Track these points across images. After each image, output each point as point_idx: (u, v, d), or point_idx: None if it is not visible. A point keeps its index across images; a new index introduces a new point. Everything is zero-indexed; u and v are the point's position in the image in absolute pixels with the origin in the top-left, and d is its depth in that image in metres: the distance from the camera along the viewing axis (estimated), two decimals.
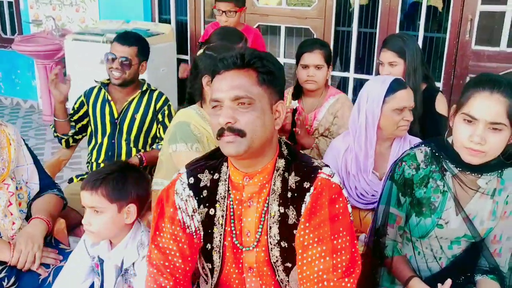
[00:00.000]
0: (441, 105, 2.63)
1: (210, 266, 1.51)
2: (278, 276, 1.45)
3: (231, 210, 1.46)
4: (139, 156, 2.57)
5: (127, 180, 1.62)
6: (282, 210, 1.41)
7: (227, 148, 1.36)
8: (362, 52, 4.44)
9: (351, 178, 2.17)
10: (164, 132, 2.63)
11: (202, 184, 1.47)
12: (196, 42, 4.91)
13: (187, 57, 4.99)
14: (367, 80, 4.39)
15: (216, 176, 1.48)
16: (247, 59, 1.36)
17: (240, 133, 1.33)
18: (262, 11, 4.49)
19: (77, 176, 2.70)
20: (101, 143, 2.68)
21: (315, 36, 4.29)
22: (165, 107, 2.68)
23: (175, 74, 4.89)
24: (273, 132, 1.42)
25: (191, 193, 1.47)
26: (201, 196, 1.47)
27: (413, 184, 1.66)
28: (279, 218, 1.42)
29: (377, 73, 2.65)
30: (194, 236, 1.47)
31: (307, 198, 1.38)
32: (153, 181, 2.21)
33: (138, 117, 2.66)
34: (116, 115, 2.67)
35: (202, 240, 1.49)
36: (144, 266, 1.55)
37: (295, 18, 4.42)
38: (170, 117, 2.65)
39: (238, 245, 1.46)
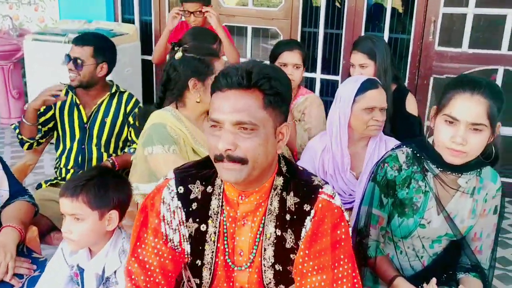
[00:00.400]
0: (411, 105, 2.69)
1: (198, 282, 1.43)
2: None
3: (225, 226, 1.38)
4: (111, 161, 2.50)
5: (108, 186, 1.57)
6: (279, 233, 1.34)
7: (225, 174, 1.27)
8: (329, 53, 4.48)
9: (328, 178, 2.18)
10: (136, 135, 2.58)
11: (192, 196, 1.38)
12: None
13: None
14: (333, 80, 4.49)
15: (209, 189, 1.38)
16: (254, 79, 1.23)
17: (241, 161, 1.24)
18: (228, 11, 4.47)
19: (45, 182, 2.61)
20: (70, 148, 2.59)
21: (281, 37, 4.31)
22: (136, 110, 2.61)
23: (140, 75, 4.82)
24: (274, 157, 1.34)
25: (180, 204, 1.37)
26: (190, 209, 1.38)
27: (396, 185, 1.68)
28: (275, 241, 1.35)
29: (348, 75, 2.68)
30: (177, 251, 1.40)
31: (308, 223, 1.31)
32: None
33: (109, 120, 2.58)
34: (85, 119, 2.59)
35: (189, 256, 1.41)
36: None
37: (261, 19, 4.44)
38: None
39: (231, 263, 1.39)
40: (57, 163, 2.65)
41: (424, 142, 1.70)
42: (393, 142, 2.16)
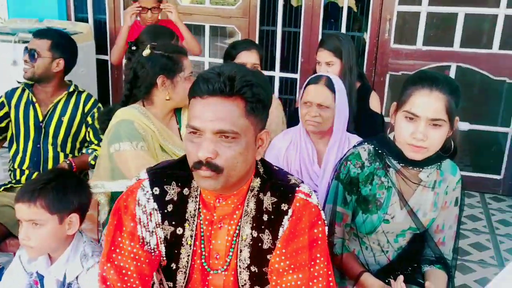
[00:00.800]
0: (374, 102, 2.73)
1: (172, 285, 1.41)
2: None
3: (202, 230, 1.36)
4: (68, 162, 2.43)
5: (67, 188, 1.52)
6: (255, 234, 1.33)
7: (203, 183, 1.25)
8: (287, 51, 4.50)
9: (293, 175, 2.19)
10: (94, 135, 2.54)
11: (168, 197, 1.35)
12: None
13: (107, 57, 4.79)
14: (292, 79, 4.51)
15: (185, 191, 1.36)
16: (237, 87, 1.20)
17: (217, 170, 1.22)
18: (185, 10, 4.41)
19: None
20: (25, 148, 2.50)
21: (240, 36, 4.30)
22: (95, 110, 2.55)
23: (95, 75, 4.69)
24: (253, 163, 1.34)
25: (156, 206, 1.34)
26: (166, 210, 1.34)
27: (359, 182, 1.70)
28: (251, 242, 1.34)
29: (314, 72, 2.69)
30: (153, 255, 1.37)
31: (285, 222, 1.31)
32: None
33: (65, 119, 2.51)
34: (41, 118, 2.50)
35: (165, 258, 1.38)
36: (89, 279, 1.46)
37: (219, 17, 4.40)
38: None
39: (206, 267, 1.37)
40: (10, 164, 2.56)
41: (385, 139, 1.73)
42: (356, 139, 2.18)
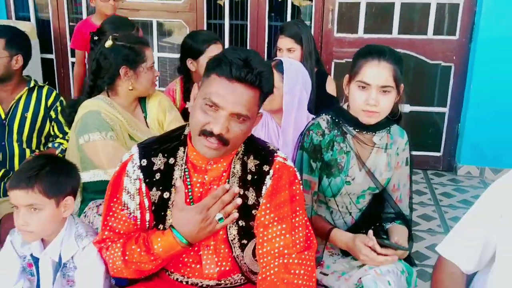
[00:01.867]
0: (331, 86, 2.89)
1: None
2: (235, 252, 1.51)
3: (190, 193, 1.50)
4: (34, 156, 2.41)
5: (61, 172, 1.55)
6: (241, 192, 1.48)
7: (205, 151, 1.40)
8: (235, 43, 4.60)
9: None
10: (58, 129, 2.56)
11: (155, 167, 1.49)
12: (62, 40, 4.68)
13: (52, 56, 4.72)
14: None
15: (171, 160, 1.50)
16: (261, 81, 1.36)
17: (225, 143, 1.38)
18: (132, 6, 4.40)
19: None
20: None
21: (188, 30, 4.35)
22: (57, 103, 2.56)
23: (40, 73, 4.62)
24: None
25: (141, 175, 1.48)
26: (154, 179, 1.48)
27: (322, 149, 1.83)
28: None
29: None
30: (131, 218, 1.50)
31: (268, 180, 1.47)
32: None
33: (29, 115, 2.50)
34: (3, 116, 2.48)
35: (152, 222, 1.52)
36: (85, 257, 1.53)
37: (166, 12, 4.44)
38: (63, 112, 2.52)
39: None
40: None
41: (340, 109, 1.88)
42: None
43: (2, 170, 2.47)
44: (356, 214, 1.91)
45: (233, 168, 1.50)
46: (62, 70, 4.76)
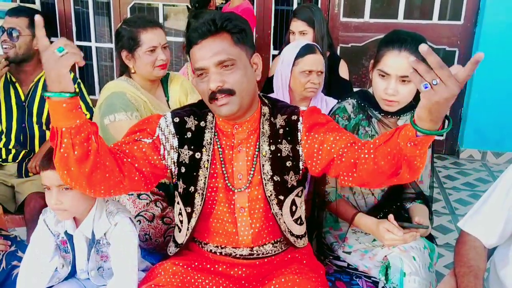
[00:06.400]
0: (343, 70, 2.93)
1: (189, 210, 1.56)
2: (273, 209, 1.55)
3: (220, 155, 1.55)
4: None
5: None
6: (273, 148, 1.55)
7: (222, 110, 1.46)
8: None
9: None
10: (86, 108, 2.57)
11: (187, 126, 1.56)
12: (67, 23, 4.68)
13: (56, 40, 4.69)
14: None
15: (202, 123, 1.57)
16: (219, 24, 1.43)
17: (231, 92, 1.44)
18: None
19: None
20: (9, 128, 2.50)
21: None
22: (75, 85, 2.57)
23: None
24: (256, 85, 1.55)
25: (173, 131, 1.53)
26: (185, 136, 1.55)
27: None
28: (271, 156, 1.55)
29: (288, 42, 2.85)
30: (158, 161, 1.50)
31: (300, 126, 1.55)
32: None
33: None
34: (23, 98, 2.50)
35: (182, 183, 1.55)
36: (118, 233, 1.57)
37: None
38: (82, 94, 2.55)
39: (231, 187, 1.55)
40: None
41: (366, 93, 1.92)
42: (332, 101, 2.37)
43: (23, 152, 2.51)
44: (379, 194, 1.97)
45: (262, 128, 1.56)
46: None
